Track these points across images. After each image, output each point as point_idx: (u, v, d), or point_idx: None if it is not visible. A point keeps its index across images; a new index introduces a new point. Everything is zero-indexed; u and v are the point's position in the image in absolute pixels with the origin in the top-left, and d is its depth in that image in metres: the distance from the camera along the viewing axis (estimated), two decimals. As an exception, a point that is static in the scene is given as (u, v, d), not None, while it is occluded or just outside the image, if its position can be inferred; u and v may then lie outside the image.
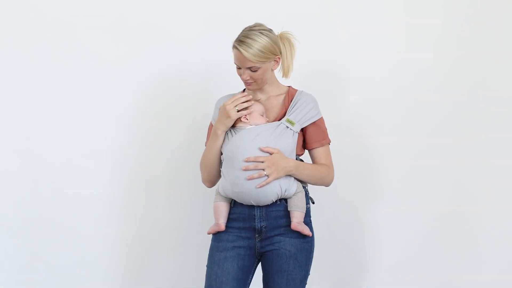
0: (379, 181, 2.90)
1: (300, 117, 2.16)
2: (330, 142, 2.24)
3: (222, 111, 2.13)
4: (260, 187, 2.05)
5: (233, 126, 2.16)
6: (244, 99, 2.13)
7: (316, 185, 2.23)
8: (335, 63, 2.91)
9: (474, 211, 2.89)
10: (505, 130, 2.89)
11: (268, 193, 2.08)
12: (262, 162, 2.05)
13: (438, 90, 2.90)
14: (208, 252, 2.20)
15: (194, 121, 2.87)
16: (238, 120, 2.15)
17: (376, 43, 2.89)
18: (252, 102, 2.16)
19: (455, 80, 2.90)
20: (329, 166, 2.21)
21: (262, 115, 2.17)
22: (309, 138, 2.20)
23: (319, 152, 2.21)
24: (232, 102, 2.12)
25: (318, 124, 2.21)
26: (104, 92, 2.86)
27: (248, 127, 2.14)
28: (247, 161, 2.06)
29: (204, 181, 2.27)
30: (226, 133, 2.16)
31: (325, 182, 2.22)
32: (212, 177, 2.24)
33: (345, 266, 2.93)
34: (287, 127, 2.13)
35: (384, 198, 2.90)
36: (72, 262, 2.85)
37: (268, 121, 2.17)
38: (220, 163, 2.20)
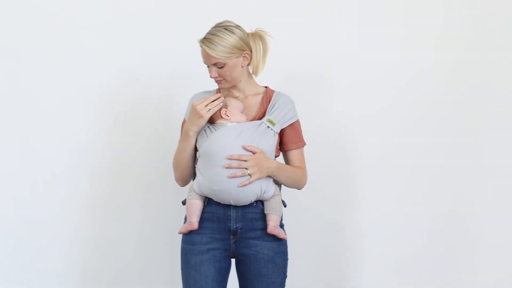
0: (378, 181, 2.90)
1: (279, 118, 2.15)
2: (305, 144, 2.24)
3: (193, 111, 2.09)
4: (242, 186, 2.02)
5: (212, 122, 2.12)
6: (213, 97, 2.10)
7: (291, 187, 2.22)
8: (334, 63, 2.90)
9: (473, 212, 2.90)
10: (505, 130, 2.90)
11: (249, 193, 2.05)
12: (246, 161, 2.03)
13: (437, 90, 2.90)
14: (180, 254, 2.16)
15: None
16: (218, 116, 2.11)
17: (375, 43, 2.89)
18: (222, 99, 2.11)
19: (454, 80, 2.90)
20: (304, 169, 2.22)
21: (242, 112, 2.14)
22: (286, 140, 2.19)
23: (294, 154, 2.21)
24: (202, 102, 2.08)
25: (296, 126, 2.21)
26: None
27: (229, 124, 2.10)
28: (230, 159, 2.02)
29: (176, 180, 2.23)
30: (204, 129, 2.12)
31: (300, 185, 2.22)
32: (185, 176, 2.19)
33: (341, 268, 2.92)
34: (268, 127, 2.12)
35: (381, 199, 2.90)
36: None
37: (247, 119, 2.15)
38: (193, 162, 2.16)
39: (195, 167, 2.16)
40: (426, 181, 2.91)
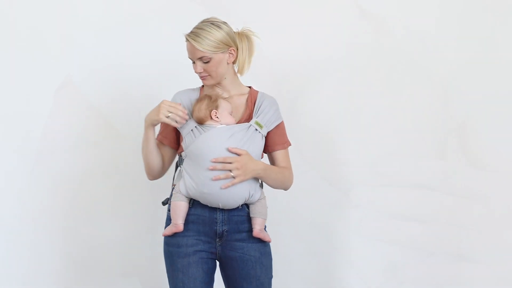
0: (367, 183, 2.89)
1: (265, 120, 2.14)
2: (290, 145, 2.24)
3: (158, 105, 2.07)
4: (225, 187, 2.01)
5: (201, 123, 2.09)
6: (182, 111, 2.06)
7: (278, 188, 2.20)
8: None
9: (468, 211, 2.91)
10: (504, 131, 2.90)
11: (238, 197, 2.05)
12: (230, 163, 2.01)
13: (435, 91, 2.90)
14: (164, 257, 2.13)
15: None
16: (208, 117, 2.09)
17: (374, 43, 2.89)
18: (186, 118, 2.08)
19: (454, 81, 2.91)
20: (290, 169, 2.20)
21: (231, 114, 2.12)
22: (272, 141, 2.18)
23: (280, 154, 2.19)
24: (170, 105, 2.05)
25: (281, 127, 2.20)
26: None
27: (219, 126, 2.08)
28: (214, 162, 2.01)
29: (146, 174, 2.20)
30: (192, 130, 2.08)
31: (287, 185, 2.21)
32: (151, 170, 2.16)
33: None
34: (256, 129, 2.11)
35: (370, 200, 2.89)
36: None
37: (235, 121, 2.13)
38: (158, 156, 2.14)
39: (159, 161, 2.14)
40: (418, 182, 2.90)
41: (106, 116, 2.81)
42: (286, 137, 2.23)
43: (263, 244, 2.14)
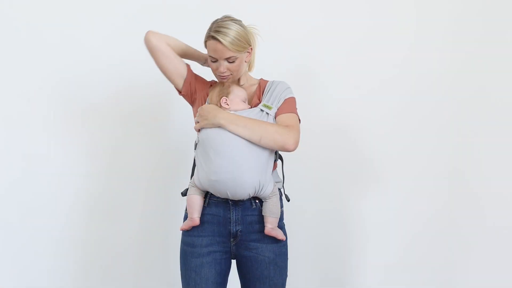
0: (380, 180, 2.92)
1: (273, 99, 2.09)
2: (298, 117, 2.10)
3: (206, 109, 2.03)
4: (196, 129, 2.03)
5: None
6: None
7: (269, 146, 1.99)
8: (334, 62, 2.91)
9: (464, 209, 2.94)
10: (503, 133, 2.93)
11: (247, 185, 1.96)
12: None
13: (440, 92, 2.93)
14: (179, 256, 2.12)
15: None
16: (218, 104, 2.05)
17: (380, 42, 2.91)
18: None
19: (455, 82, 2.93)
20: (291, 127, 2.02)
21: (244, 101, 2.09)
22: (279, 111, 2.07)
23: (284, 117, 2.06)
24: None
25: (290, 101, 2.10)
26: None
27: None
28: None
29: (152, 34, 2.09)
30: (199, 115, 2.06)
31: (277, 139, 1.98)
32: (163, 44, 2.08)
33: (341, 267, 2.93)
34: (262, 110, 2.06)
35: (384, 198, 2.92)
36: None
37: (249, 108, 2.09)
38: (176, 55, 2.11)
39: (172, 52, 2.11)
40: (432, 180, 2.92)
41: (105, 115, 2.82)
42: (294, 109, 2.10)
43: (279, 244, 2.10)
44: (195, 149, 2.08)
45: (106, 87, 2.81)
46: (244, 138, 1.98)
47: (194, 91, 2.16)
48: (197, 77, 2.17)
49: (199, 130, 2.05)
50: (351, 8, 2.90)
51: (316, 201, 2.89)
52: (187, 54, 2.17)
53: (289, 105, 2.10)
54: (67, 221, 2.82)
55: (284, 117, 2.06)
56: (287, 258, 2.14)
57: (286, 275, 2.13)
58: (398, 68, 2.91)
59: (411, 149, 2.91)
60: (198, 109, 2.04)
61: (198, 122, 2.05)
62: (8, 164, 2.78)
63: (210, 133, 2.00)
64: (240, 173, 1.95)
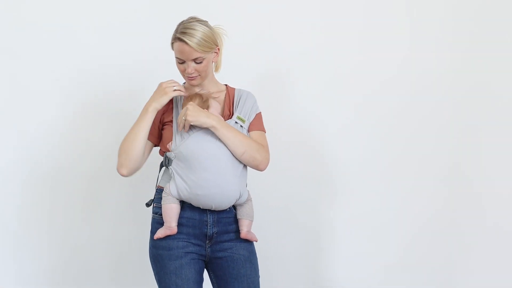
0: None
1: (244, 113, 2.12)
2: (265, 131, 2.17)
3: (159, 88, 2.05)
4: (184, 129, 2.00)
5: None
6: (179, 85, 2.07)
7: (247, 162, 2.05)
8: (333, 61, 2.93)
9: (464, 209, 2.95)
10: (498, 129, 2.94)
11: (230, 197, 2.03)
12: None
13: (439, 92, 2.94)
14: (151, 261, 2.09)
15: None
16: None
17: (376, 42, 2.92)
18: (184, 92, 2.07)
19: (454, 82, 2.95)
20: (264, 147, 2.10)
21: (220, 114, 2.11)
22: (250, 127, 2.13)
23: (255, 134, 2.12)
24: (170, 81, 2.05)
25: (258, 116, 2.17)
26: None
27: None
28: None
29: (120, 167, 2.04)
30: (179, 131, 2.04)
31: (256, 158, 2.06)
32: (132, 162, 2.04)
33: (337, 266, 2.93)
34: (237, 123, 2.08)
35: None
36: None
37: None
38: (143, 145, 2.05)
39: (142, 153, 2.06)
40: (432, 180, 2.94)
41: (105, 115, 2.82)
42: (262, 126, 2.18)
43: (250, 243, 2.15)
44: (167, 163, 2.07)
45: (106, 87, 2.81)
46: (228, 147, 2.02)
47: (162, 123, 2.13)
48: (154, 121, 2.11)
49: (186, 128, 2.03)
50: (350, 8, 2.91)
51: (317, 201, 2.89)
52: (138, 134, 2.05)
53: (259, 121, 2.17)
54: (67, 221, 2.82)
55: (257, 135, 2.13)
56: (257, 258, 2.17)
57: (259, 274, 2.16)
58: (397, 68, 2.92)
59: (411, 149, 2.92)
60: (184, 108, 2.01)
61: (184, 120, 2.00)
62: (8, 164, 2.77)
63: (194, 147, 2.01)
64: (227, 186, 2.01)
